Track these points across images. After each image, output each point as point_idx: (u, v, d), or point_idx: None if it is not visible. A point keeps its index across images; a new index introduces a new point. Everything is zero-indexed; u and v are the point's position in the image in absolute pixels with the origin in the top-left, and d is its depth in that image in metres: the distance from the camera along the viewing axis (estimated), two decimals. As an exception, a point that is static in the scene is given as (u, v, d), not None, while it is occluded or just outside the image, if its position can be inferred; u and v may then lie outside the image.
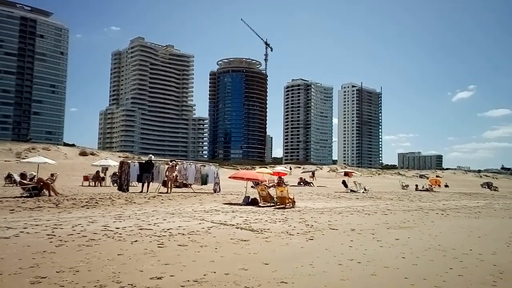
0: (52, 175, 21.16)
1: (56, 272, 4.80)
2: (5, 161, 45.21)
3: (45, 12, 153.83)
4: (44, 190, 14.54)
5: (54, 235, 7.13)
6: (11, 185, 20.62)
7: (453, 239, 8.43)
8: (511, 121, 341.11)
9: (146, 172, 19.19)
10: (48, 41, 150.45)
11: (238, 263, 5.58)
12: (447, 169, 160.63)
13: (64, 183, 25.81)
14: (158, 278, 4.68)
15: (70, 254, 5.78)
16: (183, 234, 7.78)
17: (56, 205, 12.06)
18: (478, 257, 6.53)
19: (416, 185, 36.31)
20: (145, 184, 19.12)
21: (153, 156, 21.19)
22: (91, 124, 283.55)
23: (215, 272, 5.02)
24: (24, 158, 34.03)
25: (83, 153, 60.45)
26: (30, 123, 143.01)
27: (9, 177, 22.83)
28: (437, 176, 66.51)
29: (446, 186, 46.69)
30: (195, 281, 4.62)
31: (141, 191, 18.46)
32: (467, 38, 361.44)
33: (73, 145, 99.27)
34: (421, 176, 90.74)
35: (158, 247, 6.50)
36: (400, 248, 7.10)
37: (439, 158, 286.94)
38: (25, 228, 7.86)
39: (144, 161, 20.15)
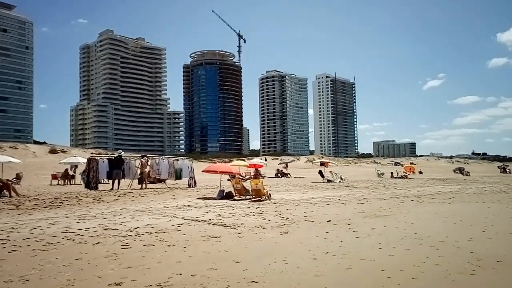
0: (17, 174, 20.18)
1: (4, 282, 4.35)
2: (-31, 161, 43.23)
3: (7, 5, 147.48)
4: (4, 191, 13.75)
5: (9, 240, 6.60)
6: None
7: (429, 227, 8.34)
8: (479, 108, 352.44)
9: (116, 169, 18.53)
10: (12, 35, 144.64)
11: (207, 262, 5.24)
12: (420, 156, 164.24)
13: (32, 182, 24.77)
14: (117, 285, 4.29)
15: (23, 260, 5.29)
16: (151, 233, 7.36)
17: (17, 206, 11.38)
18: (455, 244, 6.41)
19: (392, 173, 36.77)
20: (115, 181, 18.48)
21: (123, 152, 20.50)
22: (62, 121, 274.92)
23: (181, 274, 4.67)
24: (-11, 158, 32.51)
25: (53, 151, 58.41)
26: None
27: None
28: (411, 163, 67.76)
29: (420, 172, 47.59)
30: (157, 285, 4.26)
31: (111, 189, 17.84)
32: (436, 26, 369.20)
33: (44, 143, 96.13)
34: (396, 164, 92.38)
35: (122, 248, 6.08)
36: (376, 238, 6.93)
37: (413, 145, 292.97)
38: (-23, 233, 7.27)
39: (113, 157, 19.45)
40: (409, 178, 33.29)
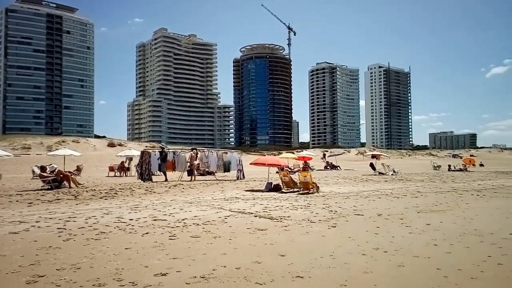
0: (77, 166, 21.39)
1: (56, 269, 4.51)
2: (37, 154, 46.67)
3: (70, 8, 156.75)
4: (65, 182, 14.58)
5: (65, 229, 6.92)
6: (37, 178, 21.02)
7: (490, 223, 7.78)
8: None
9: (163, 161, 19.08)
10: (75, 37, 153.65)
11: (252, 255, 5.16)
12: (482, 147, 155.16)
13: (91, 174, 26.18)
14: (162, 275, 4.32)
15: (76, 249, 5.51)
16: (198, 224, 7.44)
17: (75, 197, 12.01)
18: (520, 243, 5.87)
19: (449, 165, 34.91)
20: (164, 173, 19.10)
21: (165, 145, 21.05)
22: (120, 116, 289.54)
23: (225, 267, 4.62)
24: (53, 151, 34.83)
25: (111, 144, 61.60)
26: (61, 117, 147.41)
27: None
28: (471, 155, 64.11)
29: (481, 165, 44.85)
30: (202, 277, 4.23)
31: (165, 180, 18.47)
32: (500, 10, 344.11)
33: (103, 137, 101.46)
34: (454, 156, 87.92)
35: (169, 239, 6.17)
36: (432, 234, 6.51)
37: (473, 136, 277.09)
38: (38, 221, 7.70)
39: (160, 151, 20.05)
40: (469, 171, 31.47)
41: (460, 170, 32.49)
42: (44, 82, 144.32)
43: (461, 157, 62.98)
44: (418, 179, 21.65)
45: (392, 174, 25.53)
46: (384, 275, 4.37)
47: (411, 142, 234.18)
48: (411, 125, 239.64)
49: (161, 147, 20.08)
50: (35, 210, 9.51)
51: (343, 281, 4.12)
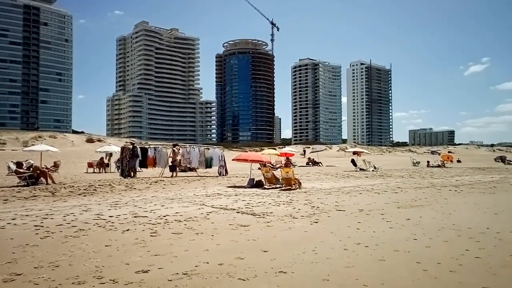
0: (55, 163, 20.92)
1: (34, 268, 4.40)
2: (12, 150, 45.46)
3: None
4: (42, 178, 14.22)
5: (42, 226, 6.76)
6: (13, 174, 20.49)
7: (468, 217, 7.94)
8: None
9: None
10: (52, 29, 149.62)
11: (234, 251, 5.15)
12: (459, 144, 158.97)
13: (69, 170, 25.66)
14: (144, 272, 4.26)
15: (54, 247, 5.38)
16: (180, 221, 7.37)
17: (53, 193, 11.75)
18: (496, 236, 6.05)
19: (428, 162, 35.63)
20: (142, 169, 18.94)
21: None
22: (99, 111, 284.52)
23: (208, 263, 4.59)
24: (29, 147, 33.93)
25: (90, 140, 60.50)
26: (38, 111, 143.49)
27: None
28: (449, 152, 65.66)
29: (459, 161, 45.94)
30: (184, 273, 4.19)
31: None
32: (479, 9, 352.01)
33: (82, 133, 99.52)
34: (432, 152, 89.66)
35: (151, 236, 6.09)
36: (411, 229, 6.63)
37: (451, 133, 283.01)
38: (14, 219, 7.50)
39: (142, 148, 19.79)
40: (447, 167, 32.17)
41: (439, 166, 33.18)
42: (20, 76, 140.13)
43: (439, 154, 64.27)
44: (398, 175, 22.02)
45: (372, 170, 25.87)
46: (365, 269, 4.42)
47: (391, 139, 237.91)
48: (392, 122, 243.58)
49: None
50: (11, 207, 9.27)
51: (326, 276, 4.15)
